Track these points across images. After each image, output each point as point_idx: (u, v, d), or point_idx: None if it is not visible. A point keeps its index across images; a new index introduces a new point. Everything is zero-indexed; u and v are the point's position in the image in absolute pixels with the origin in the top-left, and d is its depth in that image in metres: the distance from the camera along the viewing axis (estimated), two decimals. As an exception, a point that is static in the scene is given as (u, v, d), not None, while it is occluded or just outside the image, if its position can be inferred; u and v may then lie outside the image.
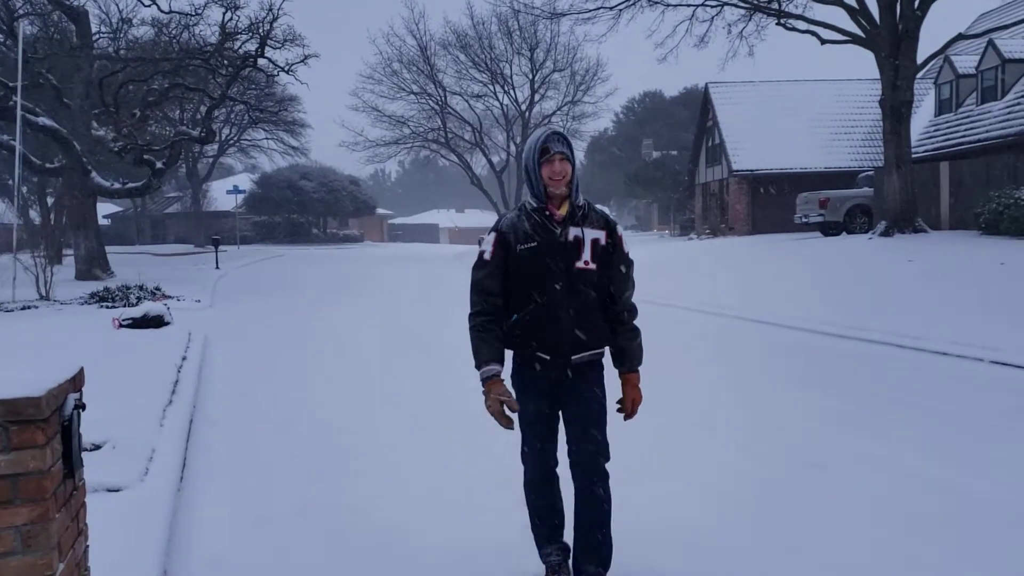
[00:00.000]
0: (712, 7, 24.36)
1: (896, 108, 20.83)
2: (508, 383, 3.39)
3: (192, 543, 4.26)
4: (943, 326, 10.22)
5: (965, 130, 25.71)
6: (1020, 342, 8.91)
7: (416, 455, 5.77)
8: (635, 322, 3.56)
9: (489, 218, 59.02)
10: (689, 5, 24.56)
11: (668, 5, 24.62)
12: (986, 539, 4.13)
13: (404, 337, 11.64)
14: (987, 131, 24.41)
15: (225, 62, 24.84)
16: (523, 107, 44.54)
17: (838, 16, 22.27)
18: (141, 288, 16.98)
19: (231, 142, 52.52)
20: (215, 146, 49.90)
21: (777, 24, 23.55)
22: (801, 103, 34.57)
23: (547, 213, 3.39)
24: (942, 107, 28.26)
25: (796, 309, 12.79)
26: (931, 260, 15.64)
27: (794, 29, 23.11)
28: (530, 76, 43.97)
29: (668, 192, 46.97)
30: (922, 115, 28.72)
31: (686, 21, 25.10)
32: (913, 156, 22.39)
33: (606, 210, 3.59)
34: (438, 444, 6.00)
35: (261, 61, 24.83)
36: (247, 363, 9.73)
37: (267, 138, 49.91)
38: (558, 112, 45.53)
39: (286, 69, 25.01)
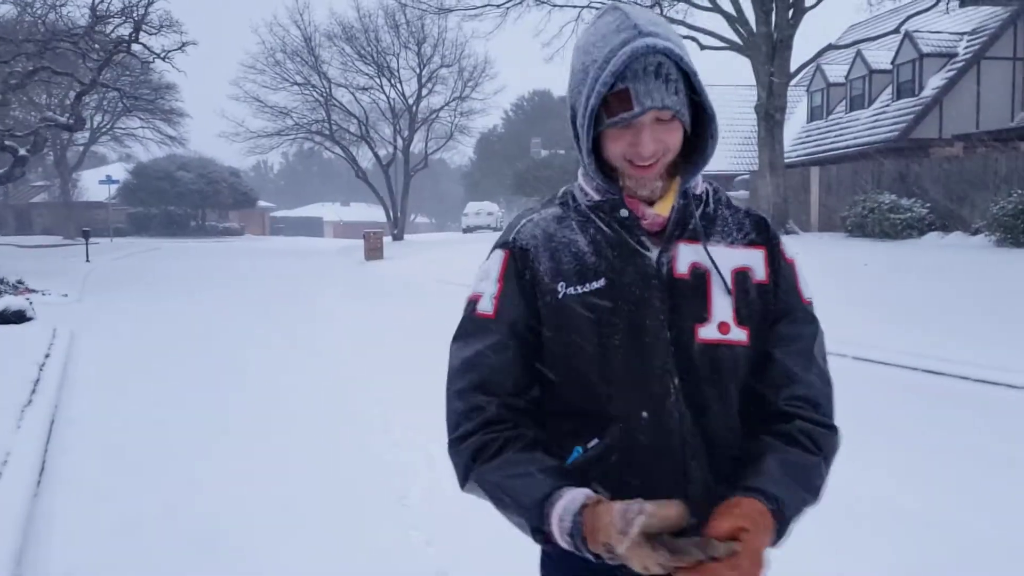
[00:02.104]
0: (598, 8, 24.73)
1: (770, 114, 21.65)
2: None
3: (48, 552, 4.04)
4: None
5: (835, 137, 26.96)
6: (884, 337, 9.38)
7: (291, 456, 5.63)
8: (825, 450, 1.44)
9: (376, 212, 57.99)
10: (575, 6, 24.87)
11: (555, 5, 24.89)
12: (887, 540, 4.31)
13: (282, 333, 11.37)
14: (855, 138, 25.66)
15: (96, 46, 23.69)
16: (410, 101, 44.21)
17: (717, 23, 23.01)
18: (1, 281, 16.04)
19: (103, 130, 50.18)
20: (85, 134, 47.61)
21: (660, 28, 24.07)
22: (682, 106, 35.43)
23: (624, 215, 1.47)
24: (814, 114, 29.58)
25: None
26: (800, 261, 16.28)
27: (676, 34, 23.69)
28: (417, 70, 43.64)
29: (556, 191, 47.45)
30: (795, 121, 29.95)
31: (572, 22, 25.41)
32: (786, 161, 23.32)
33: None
34: (316, 444, 5.87)
35: (135, 47, 23.81)
36: (117, 360, 9.31)
37: (143, 127, 47.92)
38: (446, 107, 45.46)
39: (162, 56, 24.07)
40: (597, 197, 1.50)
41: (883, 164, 20.76)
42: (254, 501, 4.73)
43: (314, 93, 43.35)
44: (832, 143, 26.76)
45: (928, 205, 18.31)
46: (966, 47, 24.31)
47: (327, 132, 44.32)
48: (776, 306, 1.50)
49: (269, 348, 10.16)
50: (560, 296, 1.44)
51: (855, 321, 10.52)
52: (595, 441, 1.42)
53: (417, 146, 46.26)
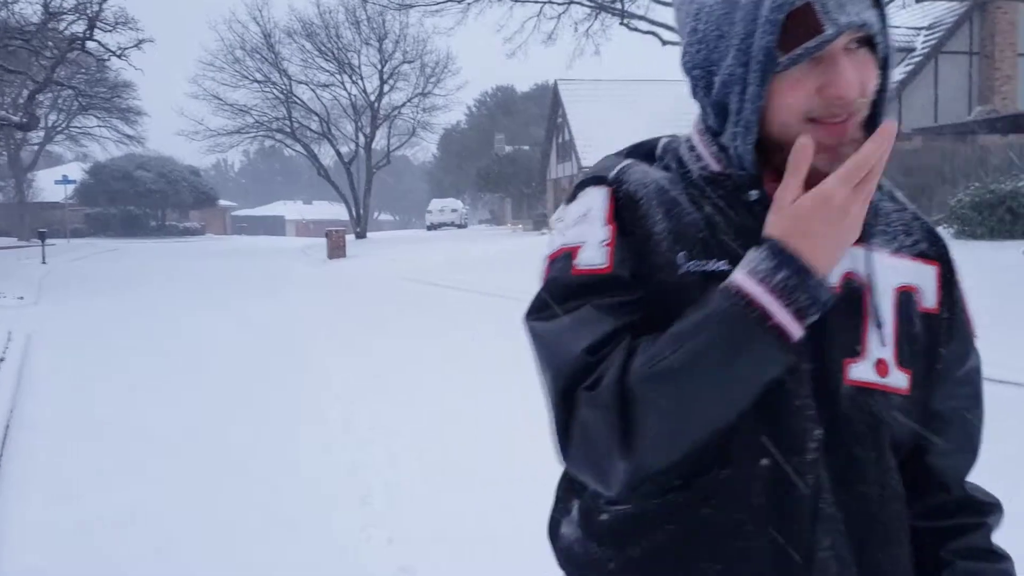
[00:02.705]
0: (559, 4, 24.76)
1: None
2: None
3: (3, 555, 3.93)
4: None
5: (794, 131, 27.23)
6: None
7: (253, 455, 5.54)
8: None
9: (338, 210, 57.69)
10: (536, 2, 24.86)
11: (516, 1, 24.84)
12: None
13: (244, 333, 11.23)
14: (814, 132, 25.92)
15: (49, 43, 23.25)
16: (372, 98, 43.98)
17: (679, 18, 23.08)
18: (-46, 284, 15.69)
19: (59, 129, 49.41)
20: (40, 133, 46.80)
21: (621, 24, 24.19)
22: (646, 102, 35.65)
23: (754, 196, 1.01)
24: (773, 108, 29.85)
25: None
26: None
27: (637, 30, 23.80)
28: (379, 67, 43.43)
29: (521, 187, 47.55)
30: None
31: (534, 18, 25.38)
32: (748, 154, 23.51)
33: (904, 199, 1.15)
34: (278, 443, 5.79)
35: (90, 44, 23.42)
36: (74, 363, 9.11)
37: (100, 126, 47.20)
38: (408, 104, 45.31)
39: (118, 53, 23.70)
40: (716, 167, 1.04)
41: (843, 157, 20.96)
42: (214, 502, 4.64)
43: (274, 90, 43.05)
44: (793, 137, 27.03)
45: (887, 197, 18.56)
46: (924, 41, 24.65)
47: (288, 130, 44.00)
48: (949, 346, 1.08)
49: (231, 349, 10.02)
50: (680, 271, 0.98)
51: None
52: (677, 483, 0.98)
53: (379, 143, 46.08)
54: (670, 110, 35.73)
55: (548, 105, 40.97)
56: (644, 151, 1.12)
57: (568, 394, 0.93)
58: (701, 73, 1.01)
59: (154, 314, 13.48)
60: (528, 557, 3.85)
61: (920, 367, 1.04)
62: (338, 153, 45.12)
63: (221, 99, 42.26)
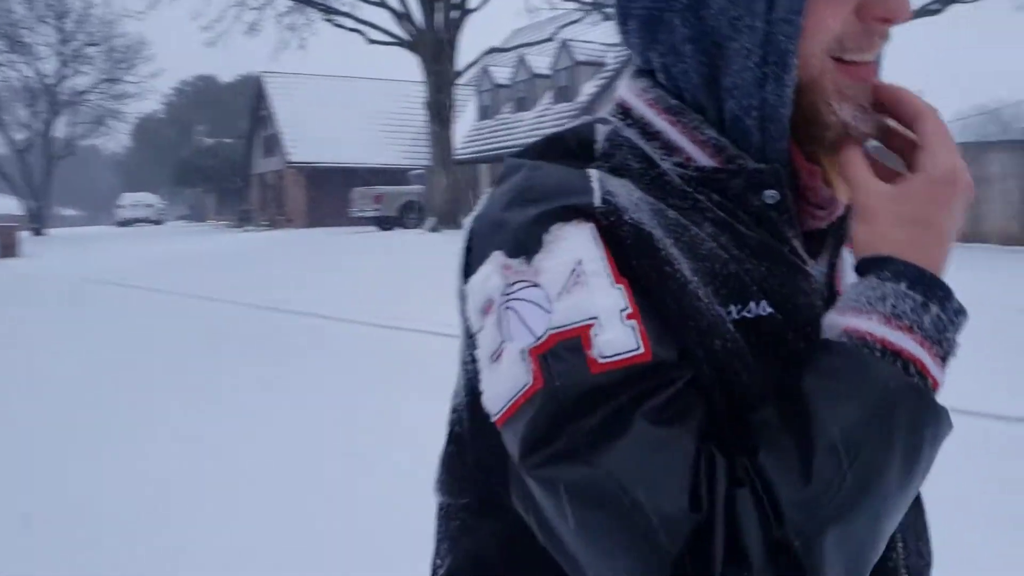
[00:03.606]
0: (254, -4, 23.71)
1: (439, 111, 21.99)
2: None
3: None
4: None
5: (503, 136, 28.08)
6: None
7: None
8: None
9: (12, 205, 51.48)
10: (236, -10, 23.65)
11: (214, -13, 23.48)
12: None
13: None
14: (521, 139, 26.87)
15: None
16: (50, 81, 39.80)
17: (385, 18, 22.92)
18: None
19: None
20: None
21: (325, 20, 23.62)
22: (355, 99, 35.26)
23: (772, 199, 0.69)
24: (483, 113, 30.64)
25: (341, 301, 12.75)
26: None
27: (341, 26, 23.34)
28: (58, 47, 39.42)
29: (224, 181, 45.31)
30: (467, 119, 30.84)
31: (235, 7, 24.05)
32: (457, 157, 23.85)
33: None
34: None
35: None
36: None
37: None
38: (94, 89, 41.52)
39: None
40: (707, 160, 0.70)
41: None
42: None
43: (-74, 66, 37.66)
44: (500, 142, 27.81)
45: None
46: (615, 57, 26.30)
47: (-54, 112, 38.71)
48: None
49: None
50: (733, 319, 0.67)
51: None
52: None
53: (63, 130, 41.86)
54: (380, 108, 35.67)
55: (253, 97, 39.27)
56: (571, 147, 0.73)
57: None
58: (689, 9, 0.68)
59: None
60: None
61: None
62: (10, 140, 40.35)
63: None
